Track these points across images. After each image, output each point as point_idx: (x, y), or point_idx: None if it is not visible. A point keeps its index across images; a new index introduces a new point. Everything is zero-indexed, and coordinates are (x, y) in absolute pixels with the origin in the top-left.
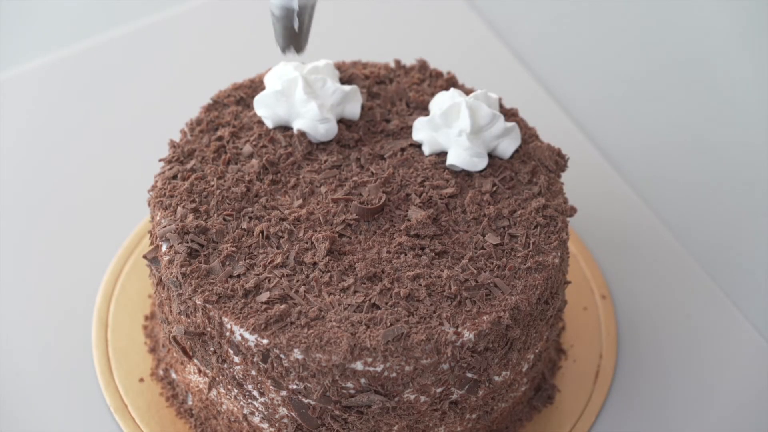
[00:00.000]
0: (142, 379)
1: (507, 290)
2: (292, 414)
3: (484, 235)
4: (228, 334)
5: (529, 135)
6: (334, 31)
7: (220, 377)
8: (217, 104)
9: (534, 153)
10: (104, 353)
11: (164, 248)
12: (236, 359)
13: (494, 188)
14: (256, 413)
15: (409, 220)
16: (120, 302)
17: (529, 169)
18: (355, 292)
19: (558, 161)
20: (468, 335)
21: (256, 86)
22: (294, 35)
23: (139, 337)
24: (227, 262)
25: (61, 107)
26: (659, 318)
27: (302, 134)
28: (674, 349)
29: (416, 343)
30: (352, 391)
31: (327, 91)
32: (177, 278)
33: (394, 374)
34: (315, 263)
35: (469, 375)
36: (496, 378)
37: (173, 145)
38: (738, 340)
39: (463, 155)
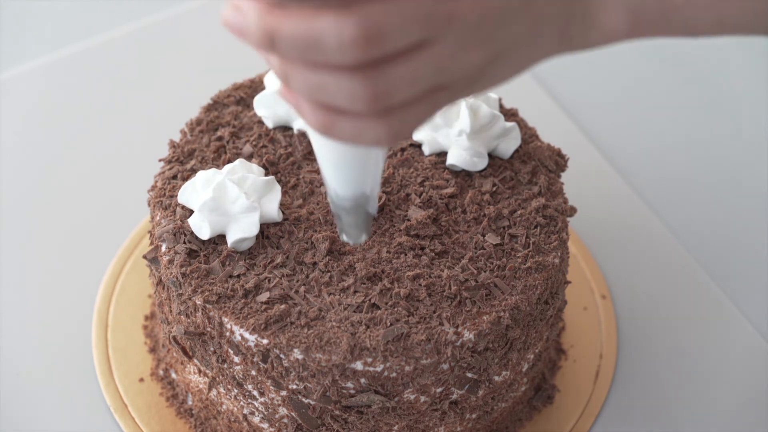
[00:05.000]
0: (142, 379)
1: (507, 290)
2: (292, 414)
3: (484, 235)
4: (228, 334)
5: (529, 135)
6: None
7: (220, 377)
8: (217, 104)
9: (534, 153)
10: (104, 353)
11: (164, 248)
12: (236, 359)
13: (494, 188)
14: (256, 413)
15: (409, 220)
16: (120, 302)
17: (529, 169)
18: (355, 292)
19: (558, 161)
20: (468, 335)
21: (256, 86)
22: (368, 219)
23: (139, 337)
24: (227, 262)
25: (60, 107)
26: (659, 318)
27: (302, 134)
28: (674, 349)
29: (416, 343)
30: (352, 391)
31: None
32: (177, 278)
33: (394, 374)
34: (315, 263)
35: (469, 375)
36: (496, 378)
37: (173, 145)
38: (738, 340)
39: (463, 155)
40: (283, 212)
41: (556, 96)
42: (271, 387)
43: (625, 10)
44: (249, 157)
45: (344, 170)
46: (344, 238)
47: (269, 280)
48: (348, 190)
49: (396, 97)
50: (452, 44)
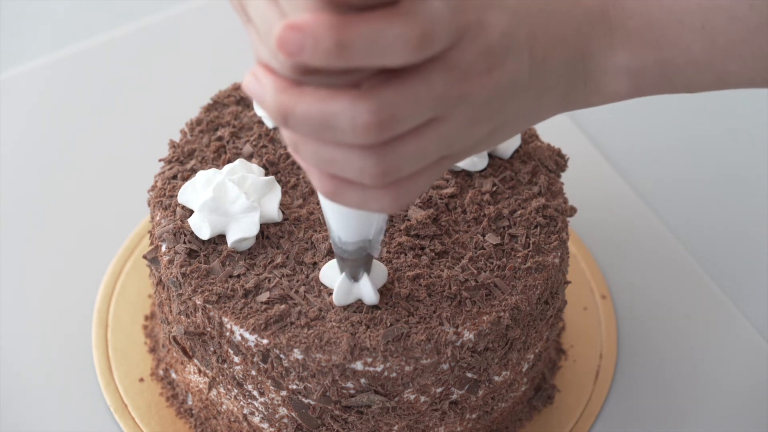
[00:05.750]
0: (142, 379)
1: (507, 290)
2: (292, 414)
3: (484, 235)
4: (228, 334)
5: (529, 135)
6: None
7: (220, 377)
8: (217, 104)
9: (534, 153)
10: (104, 353)
11: (164, 248)
12: (236, 359)
13: (494, 188)
14: (256, 413)
15: (409, 220)
16: (120, 302)
17: (529, 169)
18: None
19: (558, 161)
20: (468, 335)
21: None
22: (369, 261)
23: (139, 337)
24: (227, 262)
25: (60, 107)
26: (659, 318)
27: None
28: (674, 349)
29: (416, 343)
30: (352, 391)
31: None
32: (177, 278)
33: (394, 374)
34: (315, 263)
35: (469, 375)
36: (496, 378)
37: (173, 145)
38: (738, 340)
39: None
40: (283, 212)
41: None
42: (271, 387)
43: (626, 75)
44: (249, 157)
45: (349, 219)
46: (345, 277)
47: (269, 280)
48: (351, 236)
49: (404, 171)
50: (461, 121)
